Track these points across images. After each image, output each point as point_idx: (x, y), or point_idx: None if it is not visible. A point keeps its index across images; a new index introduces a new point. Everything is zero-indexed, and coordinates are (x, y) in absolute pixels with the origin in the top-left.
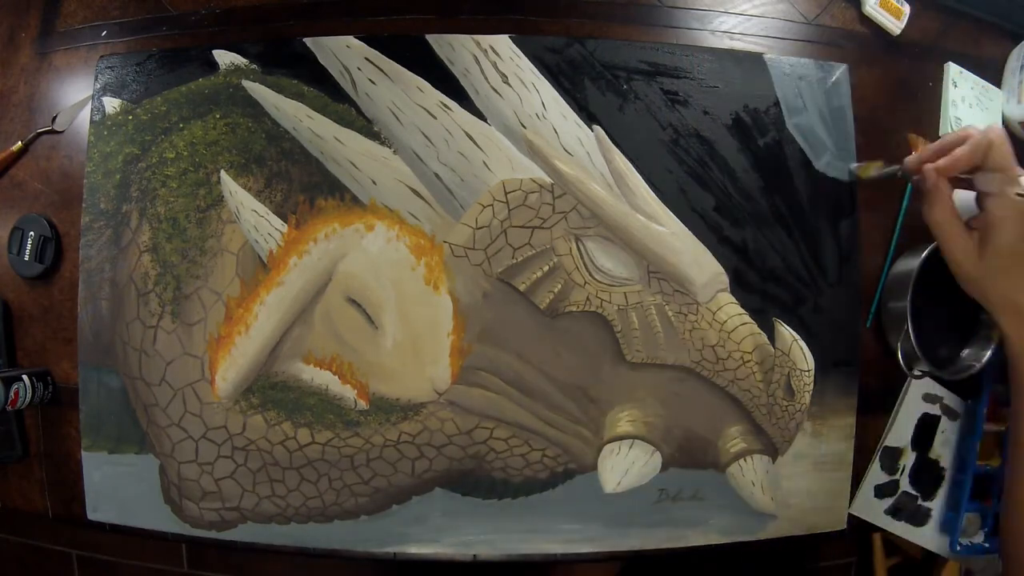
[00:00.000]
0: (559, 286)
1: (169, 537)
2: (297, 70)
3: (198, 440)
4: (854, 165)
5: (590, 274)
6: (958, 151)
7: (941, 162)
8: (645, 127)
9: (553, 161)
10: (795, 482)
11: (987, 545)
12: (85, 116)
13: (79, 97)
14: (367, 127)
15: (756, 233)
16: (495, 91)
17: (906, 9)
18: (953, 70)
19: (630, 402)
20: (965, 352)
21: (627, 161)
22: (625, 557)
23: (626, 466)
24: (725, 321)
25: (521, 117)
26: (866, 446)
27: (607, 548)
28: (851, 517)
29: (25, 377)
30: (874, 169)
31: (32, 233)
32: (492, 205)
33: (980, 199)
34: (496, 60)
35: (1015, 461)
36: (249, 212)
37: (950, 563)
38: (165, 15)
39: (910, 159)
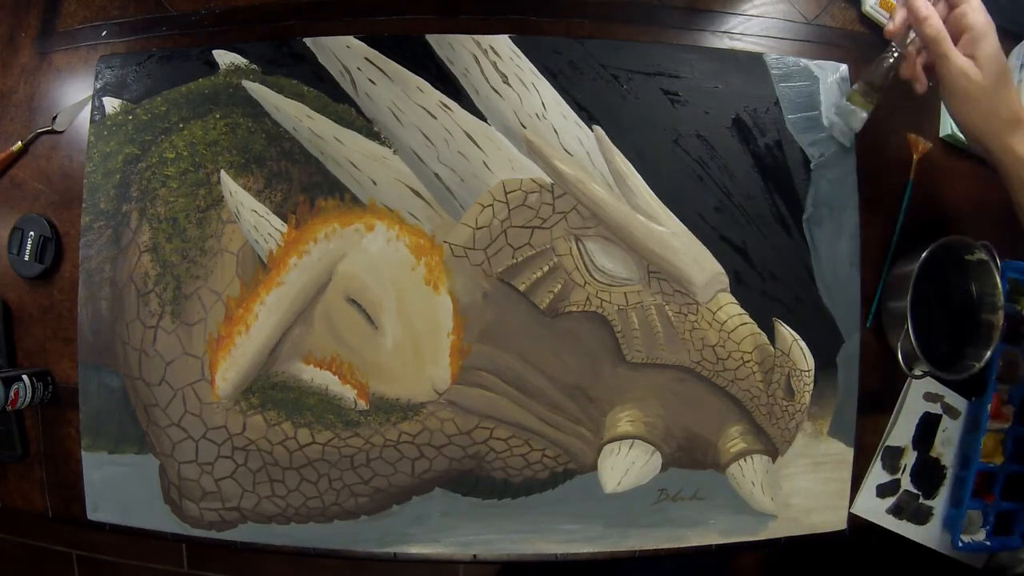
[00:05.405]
0: (559, 286)
1: (169, 537)
2: (297, 70)
3: (198, 440)
4: (844, 103)
5: (590, 274)
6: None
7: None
8: (645, 127)
9: (553, 161)
10: (795, 482)
11: (989, 543)
12: (85, 116)
13: (79, 97)
14: (367, 127)
15: (756, 233)
16: (495, 91)
17: None
18: None
19: (630, 402)
20: (965, 352)
21: (627, 161)
22: (625, 557)
23: (626, 466)
24: (725, 321)
25: (521, 117)
26: (866, 446)
27: (607, 548)
28: (851, 517)
29: (25, 377)
30: (871, 87)
31: (32, 233)
32: (492, 205)
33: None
34: (496, 60)
35: None
36: (249, 212)
37: None
38: (165, 15)
39: (891, 30)
